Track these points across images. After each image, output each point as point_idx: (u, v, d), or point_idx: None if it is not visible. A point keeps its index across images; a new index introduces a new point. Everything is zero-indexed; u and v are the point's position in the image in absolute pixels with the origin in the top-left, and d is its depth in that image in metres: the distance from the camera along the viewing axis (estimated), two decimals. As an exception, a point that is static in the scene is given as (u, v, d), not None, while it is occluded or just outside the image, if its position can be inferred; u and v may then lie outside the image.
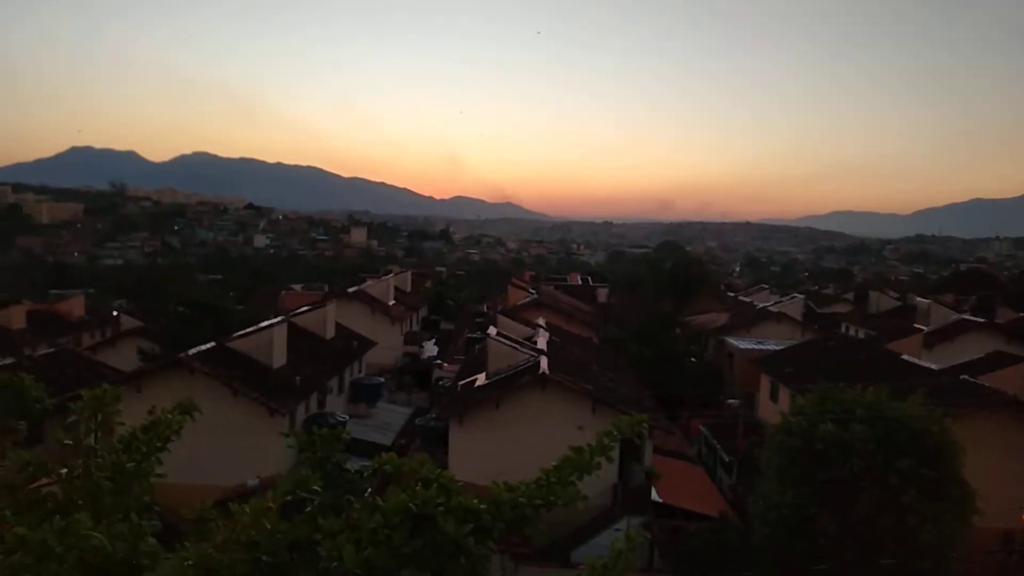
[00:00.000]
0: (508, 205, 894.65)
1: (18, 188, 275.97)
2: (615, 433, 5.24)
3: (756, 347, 43.39)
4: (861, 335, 48.33)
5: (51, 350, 36.88)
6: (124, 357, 38.46)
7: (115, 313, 59.43)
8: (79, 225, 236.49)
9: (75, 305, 58.27)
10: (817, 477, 17.60)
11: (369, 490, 5.91)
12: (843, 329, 51.27)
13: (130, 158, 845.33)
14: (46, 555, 4.05)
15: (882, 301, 62.62)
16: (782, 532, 18.06)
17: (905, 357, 32.64)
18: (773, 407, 33.12)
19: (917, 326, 44.78)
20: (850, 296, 75.84)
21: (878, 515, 16.69)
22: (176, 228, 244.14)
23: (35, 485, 5.30)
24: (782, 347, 40.44)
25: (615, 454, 5.40)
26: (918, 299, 55.25)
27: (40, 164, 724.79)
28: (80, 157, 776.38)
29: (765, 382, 36.26)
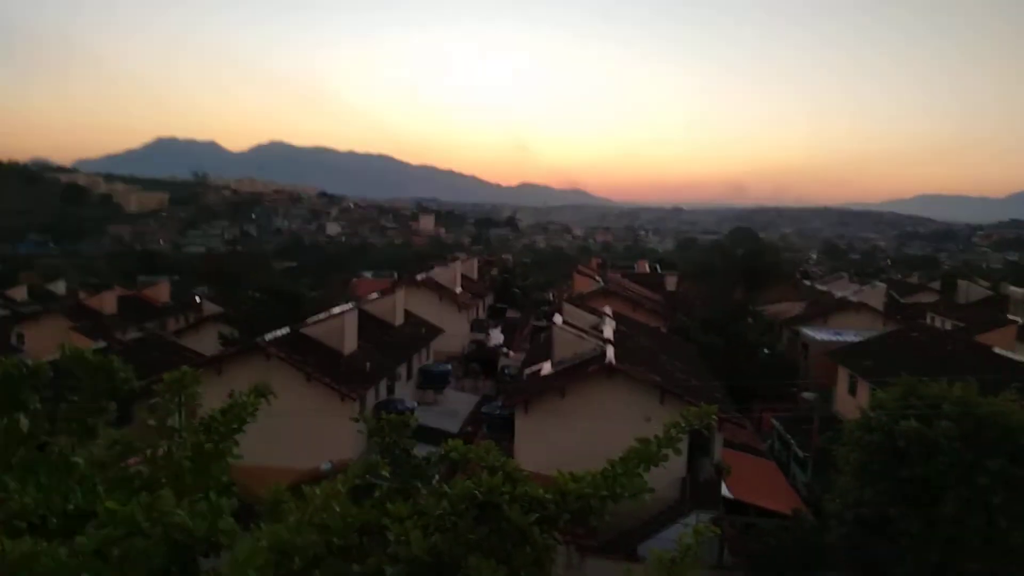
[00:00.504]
0: (575, 191, 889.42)
1: (109, 178, 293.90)
2: (683, 424, 5.14)
3: (833, 338, 41.82)
4: (948, 326, 45.94)
5: (139, 334, 39.01)
6: (206, 341, 40.20)
7: (197, 299, 62.28)
8: (164, 214, 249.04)
9: (161, 291, 61.35)
10: (898, 475, 16.87)
11: (436, 476, 6.01)
12: (928, 320, 48.87)
13: (211, 148, 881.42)
14: (133, 530, 4.24)
15: (972, 291, 59.23)
16: (860, 532, 17.43)
17: (997, 350, 30.89)
18: (851, 401, 31.94)
19: (1011, 317, 42.28)
20: (936, 285, 72.13)
21: (965, 516, 15.88)
22: (254, 216, 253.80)
23: (124, 463, 5.50)
24: (861, 338, 38.86)
25: (683, 446, 5.32)
26: (1012, 288, 52.11)
27: (129, 155, 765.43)
28: (165, 148, 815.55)
29: (843, 375, 34.95)
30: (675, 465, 21.56)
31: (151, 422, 5.66)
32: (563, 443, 21.74)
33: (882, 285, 55.58)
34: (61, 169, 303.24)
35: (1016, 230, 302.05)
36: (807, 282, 70.15)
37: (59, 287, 66.94)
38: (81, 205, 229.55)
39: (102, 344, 32.35)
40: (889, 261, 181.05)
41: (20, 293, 62.53)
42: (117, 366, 9.82)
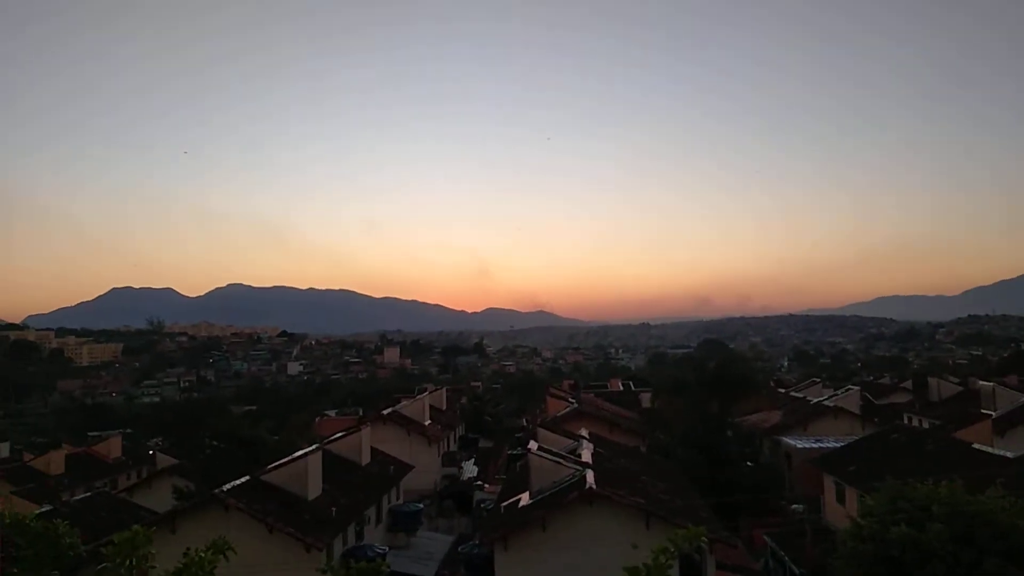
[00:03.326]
0: (541, 313, 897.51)
1: (60, 332, 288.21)
2: (672, 549, 5.02)
3: (815, 445, 41.22)
4: (925, 425, 45.75)
5: (88, 494, 36.68)
6: (160, 497, 37.96)
7: (151, 452, 59.45)
8: (117, 365, 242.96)
9: (112, 446, 58.72)
10: (896, 585, 15.97)
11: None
12: (905, 420, 48.72)
13: (167, 295, 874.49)
14: None
15: (943, 387, 59.70)
16: (866, 652, 16.24)
17: (976, 446, 30.51)
18: (841, 510, 30.93)
19: (984, 411, 42.29)
20: (908, 384, 72.80)
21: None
22: (211, 361, 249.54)
23: None
24: (843, 443, 38.33)
25: (675, 573, 5.03)
26: (981, 383, 52.49)
27: (82, 308, 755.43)
28: (120, 298, 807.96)
29: (829, 483, 34.06)
30: (668, 596, 20.12)
31: (98, 589, 5.40)
32: (548, 580, 20.37)
33: (856, 388, 55.77)
34: (10, 326, 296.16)
35: (975, 325, 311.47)
36: (781, 390, 70.10)
37: (3, 450, 63.42)
38: (30, 362, 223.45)
39: (47, 508, 30.10)
40: (859, 364, 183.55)
41: (-40, 460, 59.12)
42: (62, 531, 9.05)
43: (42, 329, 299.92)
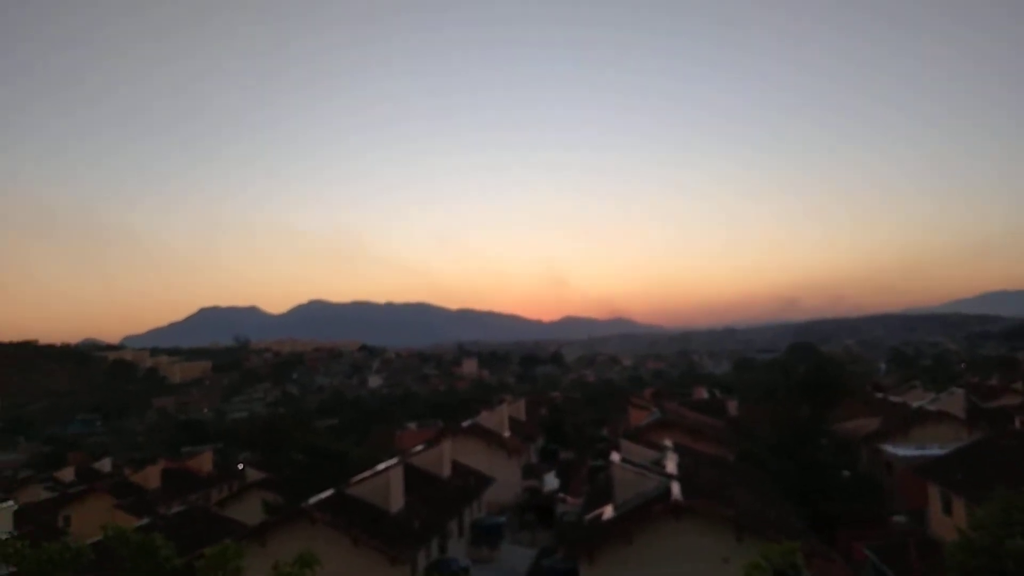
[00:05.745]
0: (620, 321, 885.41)
1: (154, 352, 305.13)
2: (765, 565, 5.08)
3: (917, 453, 38.66)
4: (1040, 429, 42.21)
5: (182, 507, 38.22)
6: (250, 510, 39.19)
7: (240, 466, 61.45)
8: (207, 382, 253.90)
9: (204, 461, 61.26)
10: (1010, 602, 14.65)
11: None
12: (1017, 424, 45.10)
13: (252, 313, 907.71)
14: None
15: (1058, 388, 55.13)
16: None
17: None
18: (948, 521, 28.79)
19: (1109, 413, 38.72)
20: (1019, 386, 67.55)
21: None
22: (295, 376, 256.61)
23: None
24: (947, 451, 35.78)
25: None
26: (1102, 382, 48.18)
27: (173, 328, 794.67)
28: (208, 317, 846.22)
29: (934, 493, 31.81)
30: (764, 615, 19.05)
31: (193, 601, 5.25)
32: (635, 595, 19.70)
33: (960, 391, 52.12)
34: (109, 347, 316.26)
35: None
36: (879, 394, 66.39)
37: (105, 465, 67.15)
38: (127, 381, 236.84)
39: (145, 521, 31.49)
40: (964, 364, 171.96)
41: (68, 474, 63.03)
42: (159, 544, 9.41)
43: (138, 349, 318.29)
